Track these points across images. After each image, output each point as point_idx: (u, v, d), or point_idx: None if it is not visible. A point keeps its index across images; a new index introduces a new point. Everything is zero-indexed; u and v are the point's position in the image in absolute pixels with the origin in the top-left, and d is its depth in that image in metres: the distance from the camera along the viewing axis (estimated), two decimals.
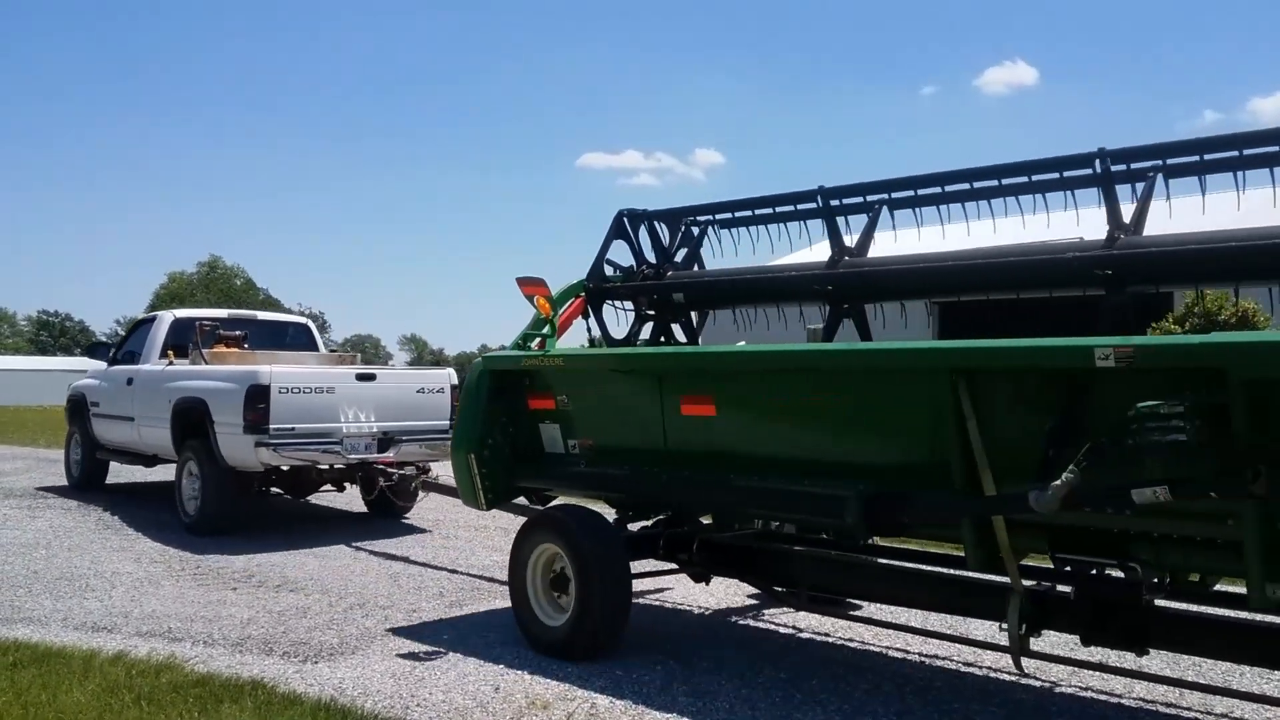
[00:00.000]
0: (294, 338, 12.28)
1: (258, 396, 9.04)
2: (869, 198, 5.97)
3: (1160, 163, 4.86)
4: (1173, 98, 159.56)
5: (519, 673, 5.24)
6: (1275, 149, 4.54)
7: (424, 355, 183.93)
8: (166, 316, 11.66)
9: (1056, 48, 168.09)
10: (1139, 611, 4.31)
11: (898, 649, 5.77)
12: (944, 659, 5.57)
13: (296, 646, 5.80)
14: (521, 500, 6.80)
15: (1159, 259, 4.69)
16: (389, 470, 9.60)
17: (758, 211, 6.66)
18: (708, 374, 5.51)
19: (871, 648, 5.83)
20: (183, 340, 11.04)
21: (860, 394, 4.77)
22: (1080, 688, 5.03)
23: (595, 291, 7.15)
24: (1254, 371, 3.52)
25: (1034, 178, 5.30)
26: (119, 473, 13.10)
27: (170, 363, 10.82)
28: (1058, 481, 3.81)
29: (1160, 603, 4.34)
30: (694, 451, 5.49)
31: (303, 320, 12.99)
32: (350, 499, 11.75)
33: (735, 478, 5.30)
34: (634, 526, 6.28)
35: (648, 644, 5.78)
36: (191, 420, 9.74)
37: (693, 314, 7.21)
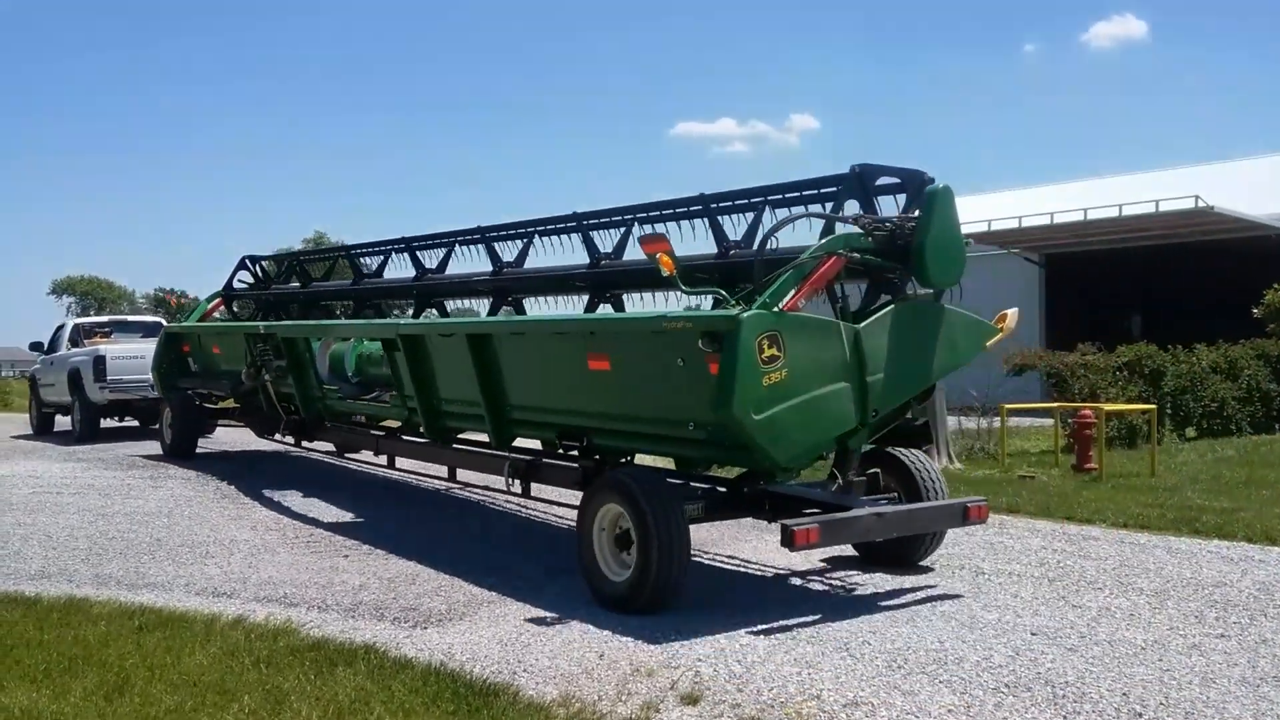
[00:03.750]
0: (154, 330, 18.35)
1: (99, 362, 16.49)
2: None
3: None
4: None
5: (623, 639, 5.27)
6: None
7: None
8: (70, 322, 19.86)
9: None
10: (304, 424, 11.38)
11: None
12: None
13: (406, 612, 5.93)
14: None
15: None
16: None
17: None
18: (214, 333, 13.46)
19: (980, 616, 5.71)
20: (78, 337, 18.65)
21: (221, 344, 12.96)
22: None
23: (227, 297, 14.45)
24: (283, 335, 10.86)
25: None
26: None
27: (69, 349, 18.34)
28: (244, 374, 11.59)
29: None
30: (217, 369, 13.21)
31: (159, 320, 20.55)
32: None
33: (217, 381, 13.26)
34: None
35: (750, 613, 5.76)
36: (75, 378, 17.02)
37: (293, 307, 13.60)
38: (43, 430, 19.31)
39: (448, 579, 6.72)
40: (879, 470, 6.99)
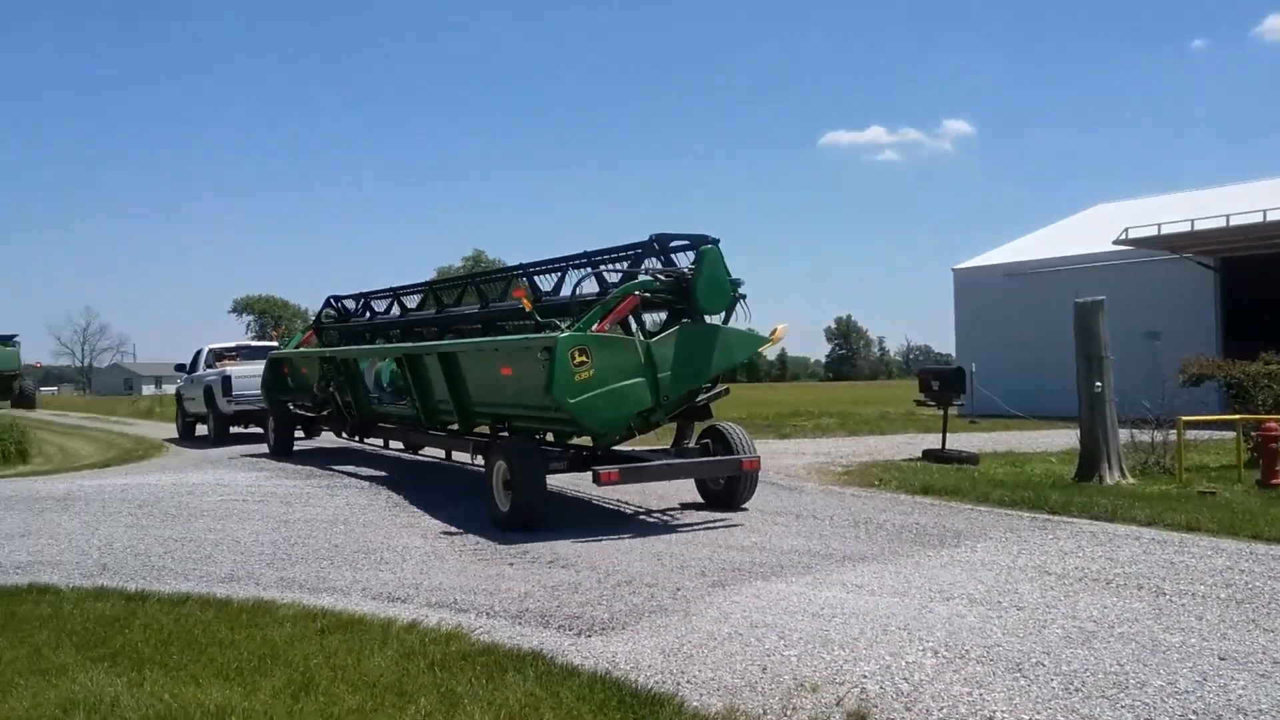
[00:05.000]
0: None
1: (227, 381, 20.32)
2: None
3: None
4: None
5: (785, 654, 5.24)
6: None
7: None
8: (205, 347, 23.35)
9: None
10: (361, 424, 15.47)
11: None
12: None
13: (570, 620, 6.05)
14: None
15: None
16: None
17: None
18: (302, 358, 17.04)
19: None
20: (212, 360, 22.68)
21: (306, 366, 16.82)
22: None
23: (318, 329, 18.18)
24: (340, 358, 15.09)
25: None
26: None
27: (205, 370, 22.11)
28: (316, 387, 16.17)
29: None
30: (305, 386, 16.75)
31: (275, 344, 22.56)
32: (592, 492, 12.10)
33: (306, 394, 16.97)
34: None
35: (917, 630, 5.65)
36: (209, 393, 20.95)
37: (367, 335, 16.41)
38: (186, 435, 23.51)
39: (610, 589, 6.82)
40: (709, 440, 10.45)
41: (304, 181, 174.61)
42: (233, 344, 24.13)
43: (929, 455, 15.18)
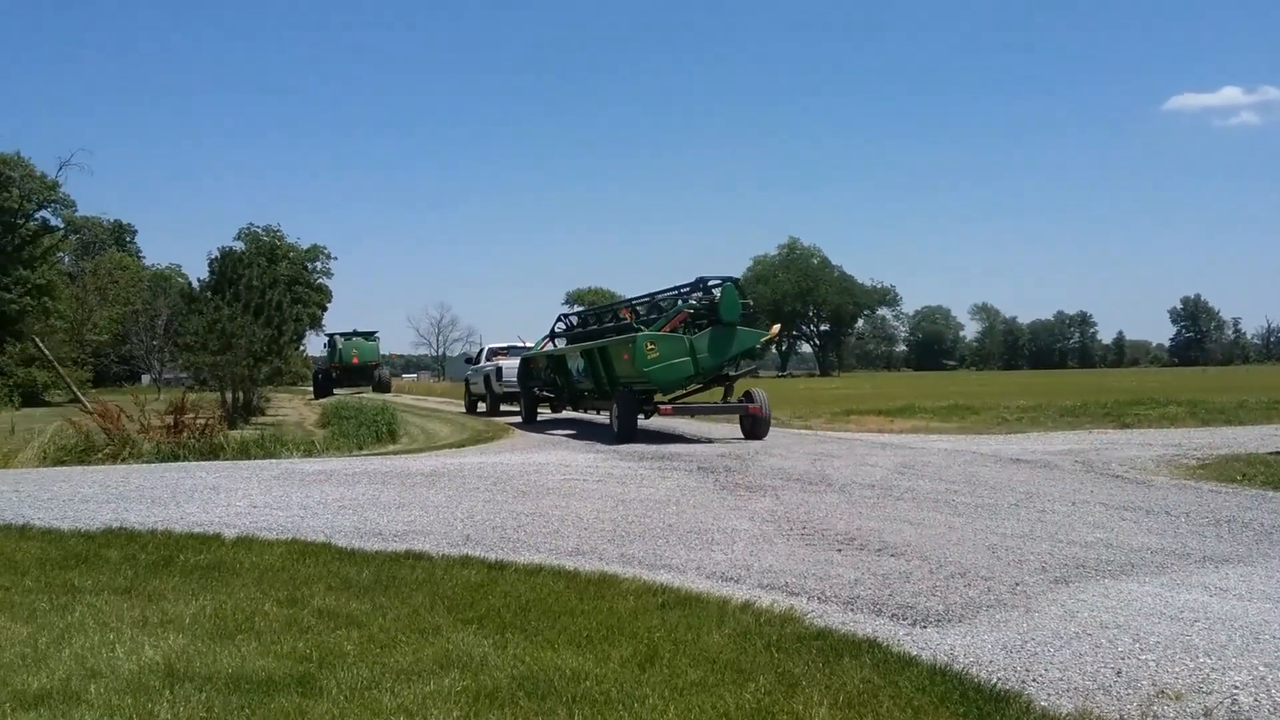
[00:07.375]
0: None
1: (499, 370, 28.55)
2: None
3: None
4: None
5: (1142, 658, 4.92)
6: None
7: (994, 324, 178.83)
8: (486, 346, 31.84)
9: None
10: (573, 399, 23.34)
11: None
12: None
13: (903, 610, 5.98)
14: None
15: None
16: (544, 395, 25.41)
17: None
18: (537, 356, 25.23)
19: None
20: (491, 355, 30.72)
21: (541, 362, 24.90)
22: None
23: (551, 336, 25.22)
24: (555, 354, 23.74)
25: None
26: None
27: (485, 362, 30.19)
28: (543, 375, 24.79)
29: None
30: (540, 376, 24.89)
31: (530, 344, 28.11)
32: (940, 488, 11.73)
33: (541, 381, 24.90)
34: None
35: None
36: (487, 379, 29.36)
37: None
38: (470, 410, 32.02)
39: (942, 580, 6.67)
40: (745, 397, 18.16)
41: (637, 179, 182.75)
42: (505, 344, 31.44)
43: None
